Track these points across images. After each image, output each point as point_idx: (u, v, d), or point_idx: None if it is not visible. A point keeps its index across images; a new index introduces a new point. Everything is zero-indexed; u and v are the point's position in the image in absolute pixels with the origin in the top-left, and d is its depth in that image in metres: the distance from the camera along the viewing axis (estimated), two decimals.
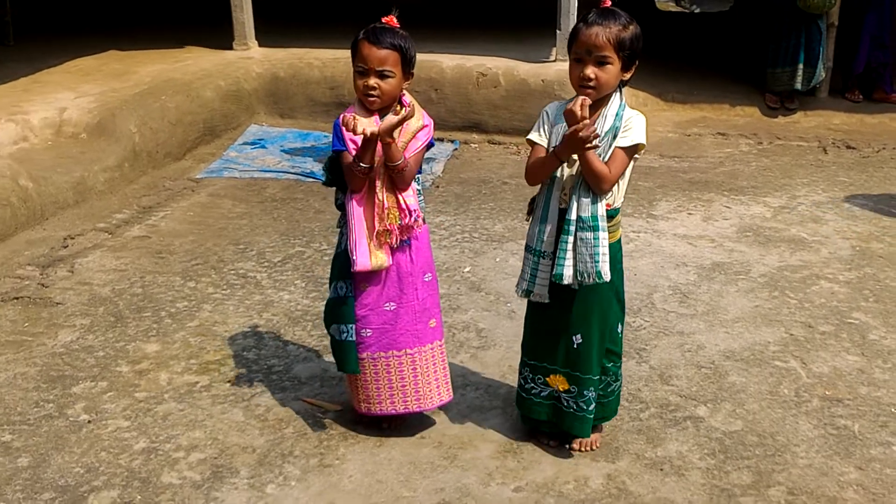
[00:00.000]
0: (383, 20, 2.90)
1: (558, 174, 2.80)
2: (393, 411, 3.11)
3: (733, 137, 6.93)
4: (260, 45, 7.66)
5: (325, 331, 3.15)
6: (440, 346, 3.14)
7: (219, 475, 2.98)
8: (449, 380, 3.19)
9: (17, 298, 4.22)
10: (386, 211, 2.89)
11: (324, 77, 7.12)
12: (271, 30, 7.82)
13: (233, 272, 4.53)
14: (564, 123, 2.73)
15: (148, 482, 2.94)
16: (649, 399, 3.41)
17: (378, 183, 2.90)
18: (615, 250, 2.89)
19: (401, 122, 2.81)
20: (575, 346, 2.92)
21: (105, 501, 2.85)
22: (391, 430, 3.20)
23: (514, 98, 6.73)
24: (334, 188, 3.03)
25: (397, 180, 2.90)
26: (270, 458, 3.06)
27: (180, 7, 9.57)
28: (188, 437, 3.18)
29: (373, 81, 2.85)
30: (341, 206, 3.00)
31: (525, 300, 3.01)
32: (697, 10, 13.04)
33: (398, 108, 2.89)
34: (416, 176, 2.98)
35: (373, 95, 2.86)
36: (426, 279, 3.06)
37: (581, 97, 2.67)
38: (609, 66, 2.70)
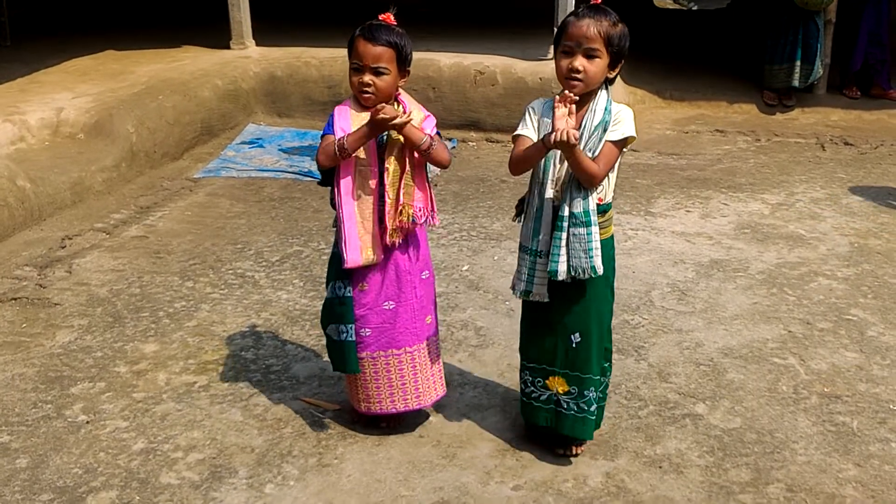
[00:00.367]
0: (380, 17, 2.89)
1: (550, 173, 2.79)
2: (393, 410, 3.11)
3: (731, 134, 6.93)
4: (257, 45, 7.66)
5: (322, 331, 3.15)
6: (435, 341, 3.15)
7: (217, 475, 2.98)
8: (443, 375, 3.20)
9: (14, 299, 4.21)
10: (401, 207, 2.89)
11: (321, 76, 7.11)
12: (268, 29, 7.81)
13: (231, 272, 4.53)
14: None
15: (146, 483, 2.94)
16: (648, 397, 3.41)
17: (388, 180, 2.89)
18: (608, 247, 2.88)
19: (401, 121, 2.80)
20: (574, 345, 2.91)
21: (104, 502, 2.85)
22: (389, 430, 3.19)
23: (512, 96, 6.73)
24: (329, 187, 3.03)
25: (434, 161, 2.90)
26: (269, 458, 3.06)
27: (177, 7, 9.56)
28: (186, 438, 3.18)
29: (368, 78, 2.84)
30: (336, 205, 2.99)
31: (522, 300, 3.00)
32: (695, 8, 13.03)
33: (395, 104, 2.90)
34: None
35: (368, 92, 2.86)
36: (424, 277, 3.06)
37: (565, 92, 2.67)
38: (598, 59, 2.70)
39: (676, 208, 5.38)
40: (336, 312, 3.01)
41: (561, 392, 2.96)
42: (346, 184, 2.90)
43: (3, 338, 3.88)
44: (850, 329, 3.90)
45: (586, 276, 2.77)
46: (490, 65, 6.87)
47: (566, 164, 2.77)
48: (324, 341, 3.18)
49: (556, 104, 2.65)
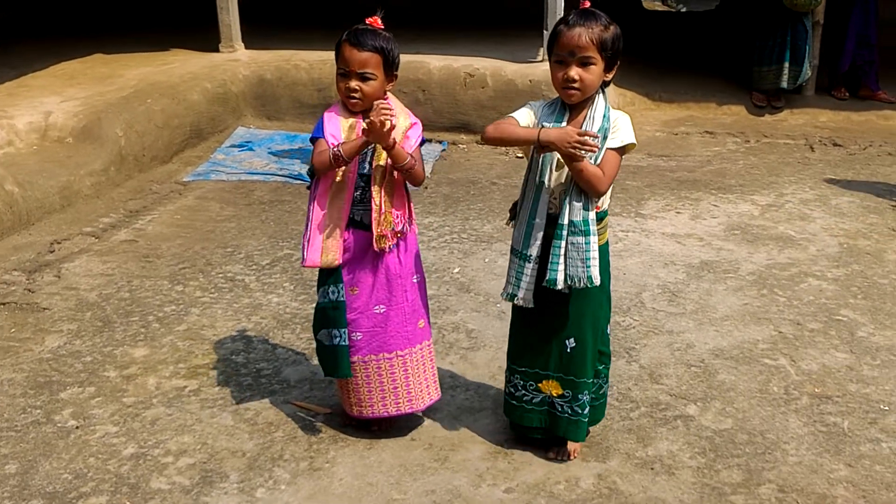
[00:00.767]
0: (367, 21, 2.88)
1: (547, 178, 2.78)
2: (385, 413, 3.10)
3: (720, 136, 6.95)
4: (246, 48, 7.64)
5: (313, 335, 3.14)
6: (429, 345, 3.14)
7: (208, 480, 2.96)
8: (437, 378, 3.19)
9: (3, 304, 4.19)
10: (382, 216, 2.89)
11: (311, 79, 7.10)
12: (258, 32, 7.79)
13: (221, 275, 4.52)
14: (552, 124, 2.73)
15: (137, 488, 2.92)
16: (639, 398, 3.41)
17: (375, 188, 2.89)
18: (603, 252, 2.88)
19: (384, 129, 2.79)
20: (568, 349, 2.90)
21: None
22: (381, 433, 3.18)
23: (502, 98, 6.72)
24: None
25: (410, 179, 2.92)
26: (260, 462, 3.05)
27: (166, 10, 9.53)
28: (177, 442, 3.16)
29: (354, 84, 2.84)
30: None
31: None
32: (684, 10, 13.06)
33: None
34: None
35: (354, 98, 2.85)
36: (415, 280, 3.06)
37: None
38: (592, 66, 2.69)
39: (667, 210, 5.38)
40: (329, 317, 3.00)
41: (555, 395, 2.95)
42: (323, 186, 2.90)
43: None
44: (840, 329, 3.91)
45: (582, 285, 2.76)
46: (480, 67, 6.87)
47: (564, 171, 2.75)
48: (314, 345, 3.16)
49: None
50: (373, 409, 3.09)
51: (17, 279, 4.46)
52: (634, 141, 2.78)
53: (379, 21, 2.89)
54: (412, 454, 3.09)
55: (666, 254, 4.73)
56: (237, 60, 7.41)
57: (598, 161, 2.72)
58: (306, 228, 2.92)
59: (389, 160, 2.86)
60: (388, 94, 2.97)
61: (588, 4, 2.75)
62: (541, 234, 2.79)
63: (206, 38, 7.77)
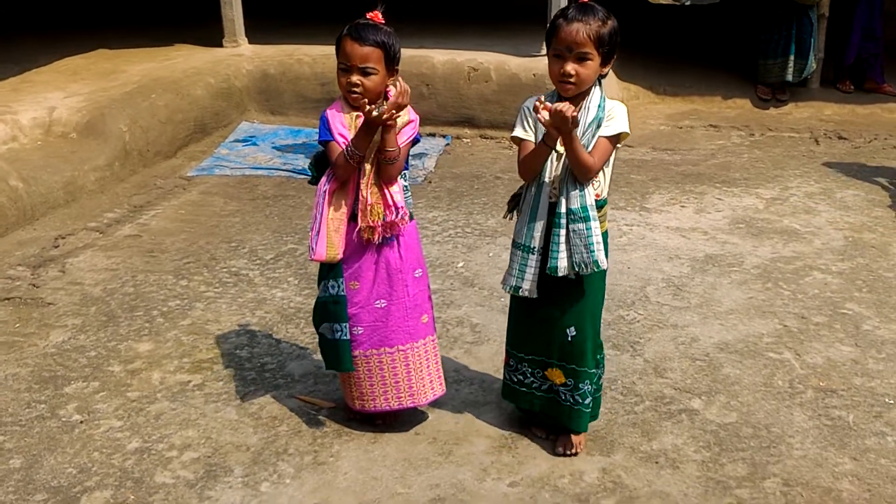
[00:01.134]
0: (368, 16, 2.87)
1: (547, 169, 2.79)
2: (387, 407, 3.10)
3: (725, 129, 6.93)
4: (250, 42, 7.62)
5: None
6: (433, 341, 3.13)
7: (212, 474, 2.97)
8: (442, 374, 3.19)
9: (7, 299, 4.19)
10: (370, 207, 2.88)
11: (314, 73, 7.09)
12: (261, 27, 7.78)
13: (225, 270, 4.52)
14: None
15: (141, 482, 2.93)
16: (644, 392, 3.40)
17: (363, 180, 2.88)
18: (603, 241, 2.88)
19: (395, 109, 2.78)
20: (569, 338, 2.92)
21: (98, 502, 2.83)
22: (385, 427, 3.18)
23: (506, 92, 6.71)
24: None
25: (386, 172, 2.87)
26: (264, 457, 3.05)
27: (169, 5, 9.52)
28: (181, 437, 3.17)
29: (355, 79, 2.83)
30: None
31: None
32: (689, 3, 13.00)
33: (383, 103, 2.89)
34: (403, 172, 2.97)
35: (356, 93, 2.85)
36: (416, 275, 3.05)
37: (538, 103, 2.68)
38: (589, 61, 2.71)
39: (671, 203, 5.37)
40: (330, 311, 3.00)
41: (558, 383, 2.97)
42: (332, 183, 2.90)
43: None
44: (845, 323, 3.90)
45: (589, 270, 2.78)
46: (484, 61, 6.86)
47: (563, 161, 2.77)
48: (318, 339, 3.17)
49: (536, 113, 2.65)
50: (375, 402, 3.09)
51: (22, 274, 4.46)
52: (628, 130, 2.81)
53: (380, 15, 2.88)
54: (416, 448, 3.09)
55: (670, 247, 4.72)
56: (241, 55, 7.40)
57: (591, 147, 2.75)
58: (315, 221, 2.91)
59: (379, 142, 2.84)
60: (391, 88, 2.96)
61: None
62: (542, 225, 2.80)
63: (209, 33, 7.76)
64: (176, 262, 4.60)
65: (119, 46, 7.77)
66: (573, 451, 3.03)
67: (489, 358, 3.66)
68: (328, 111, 2.92)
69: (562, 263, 2.78)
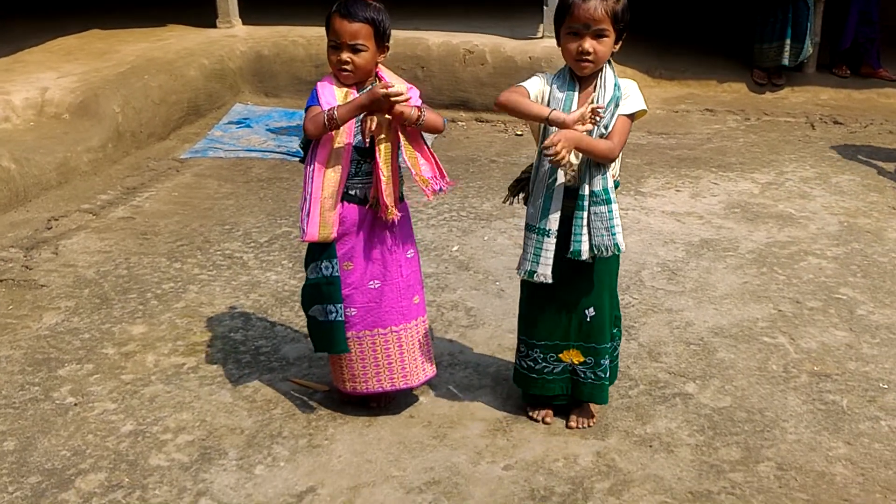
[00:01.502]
0: None
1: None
2: (380, 389, 3.10)
3: (721, 114, 6.91)
4: (244, 23, 7.58)
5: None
6: (424, 322, 3.13)
7: (207, 456, 2.96)
8: (433, 355, 3.18)
9: (0, 281, 4.17)
10: (391, 187, 2.85)
11: (308, 55, 7.05)
12: (255, 7, 7.73)
13: (219, 253, 4.50)
14: (563, 94, 2.76)
15: (135, 464, 2.92)
16: (638, 376, 3.41)
17: (381, 158, 2.85)
18: None
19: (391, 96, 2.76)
20: (588, 319, 2.93)
21: (92, 484, 2.83)
22: (380, 410, 3.18)
23: (502, 75, 6.68)
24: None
25: (429, 128, 2.87)
26: (259, 439, 3.05)
27: None
28: (176, 419, 3.16)
29: (345, 56, 2.81)
30: None
31: (517, 280, 2.99)
32: None
33: (377, 82, 2.87)
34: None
35: (346, 70, 2.83)
36: (409, 255, 3.04)
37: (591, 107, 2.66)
38: (606, 38, 2.70)
39: (666, 188, 5.36)
40: (323, 293, 2.99)
41: (577, 362, 2.99)
42: (319, 159, 2.86)
43: None
44: (839, 308, 3.91)
45: (609, 253, 2.79)
46: (479, 44, 6.82)
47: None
48: (308, 322, 3.15)
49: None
50: (367, 384, 3.08)
51: (15, 256, 4.44)
52: (645, 107, 2.81)
53: None
54: (411, 431, 3.09)
55: (665, 232, 4.72)
56: (234, 36, 7.36)
57: (611, 127, 2.73)
58: (304, 202, 2.89)
59: (396, 122, 2.81)
60: (380, 65, 2.94)
61: None
62: (559, 208, 2.79)
63: (203, 13, 7.70)
64: (169, 245, 4.58)
65: (112, 26, 7.71)
66: (588, 423, 3.06)
67: (484, 342, 3.66)
68: (319, 83, 2.90)
69: (584, 247, 2.78)
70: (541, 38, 6.87)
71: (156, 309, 3.93)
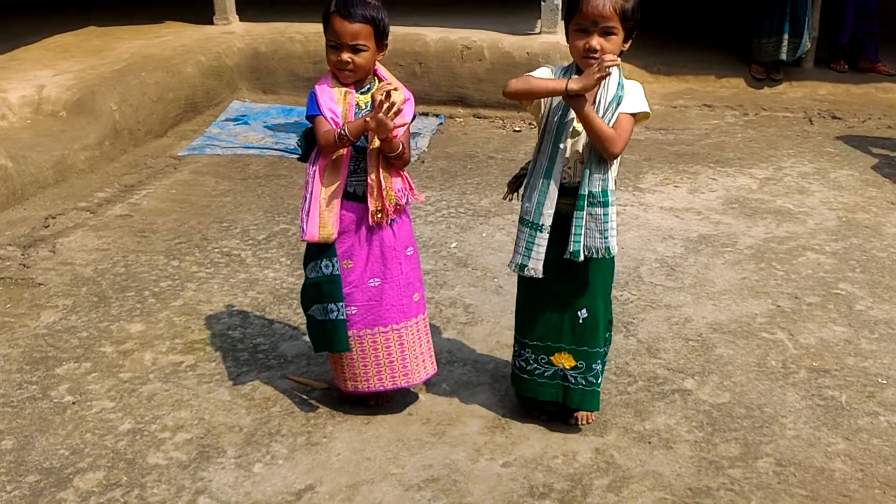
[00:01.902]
0: None
1: (562, 146, 2.75)
2: (381, 387, 3.09)
3: (719, 109, 6.91)
4: (241, 20, 7.55)
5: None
6: (423, 319, 3.12)
7: (205, 455, 2.96)
8: (433, 353, 3.18)
9: None
10: (384, 191, 2.86)
11: (306, 52, 7.04)
12: (252, 3, 7.71)
13: (217, 250, 4.49)
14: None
15: (134, 463, 2.92)
16: (637, 372, 3.40)
17: (372, 164, 2.86)
18: None
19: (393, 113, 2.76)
20: (581, 320, 2.91)
21: (90, 483, 2.83)
22: (378, 408, 3.18)
23: (500, 71, 6.66)
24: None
25: (398, 164, 2.89)
26: (257, 437, 3.04)
27: None
28: (174, 418, 3.16)
29: (346, 56, 2.80)
30: None
31: (515, 276, 2.98)
32: None
33: (376, 80, 2.87)
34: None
35: (347, 70, 2.82)
36: (408, 253, 3.04)
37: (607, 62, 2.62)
38: (614, 36, 2.67)
39: (665, 183, 5.36)
40: (324, 291, 2.98)
41: (568, 367, 2.96)
42: (321, 160, 2.87)
43: None
44: (838, 303, 3.90)
45: (600, 255, 2.77)
46: (477, 39, 6.81)
47: (579, 139, 2.74)
48: (307, 321, 3.15)
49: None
50: (368, 383, 3.08)
51: (12, 254, 4.43)
52: (648, 110, 2.78)
53: None
54: (410, 429, 3.08)
55: (664, 228, 4.71)
56: (231, 33, 7.33)
57: (612, 125, 2.71)
58: (305, 201, 2.88)
59: (380, 145, 2.83)
60: (379, 65, 2.93)
61: None
62: (554, 204, 2.77)
63: (200, 10, 7.68)
64: (167, 243, 4.58)
65: (109, 24, 7.69)
66: (587, 420, 3.06)
67: (482, 339, 3.65)
68: (317, 86, 2.90)
69: (581, 248, 2.77)
70: (538, 33, 6.86)
71: (154, 307, 3.93)
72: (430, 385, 3.29)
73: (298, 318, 3.80)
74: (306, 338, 3.64)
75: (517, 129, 6.48)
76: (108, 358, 3.54)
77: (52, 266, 4.31)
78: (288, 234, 4.67)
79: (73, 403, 3.24)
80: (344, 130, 2.77)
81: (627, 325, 3.74)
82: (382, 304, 3.01)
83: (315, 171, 2.86)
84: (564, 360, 2.95)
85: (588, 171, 2.74)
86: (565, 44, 2.83)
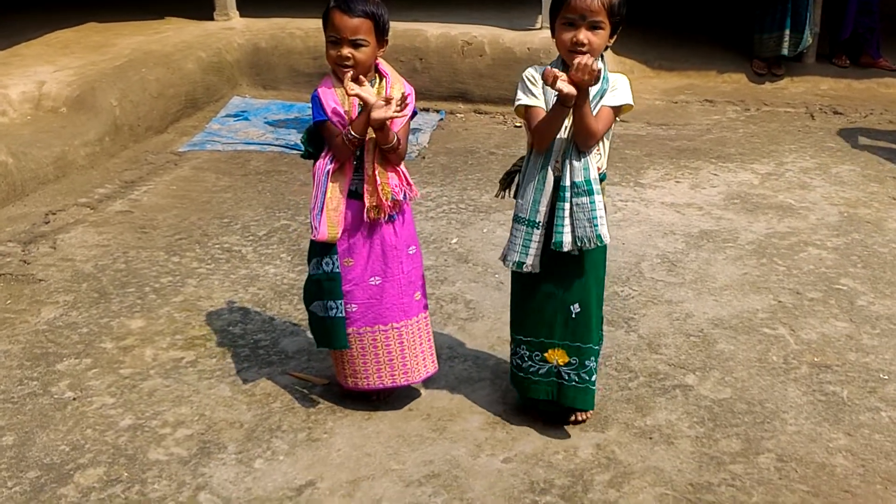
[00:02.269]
0: None
1: (555, 143, 2.74)
2: (380, 385, 3.09)
3: (720, 104, 6.89)
4: (241, 16, 7.54)
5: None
6: (425, 318, 3.12)
7: (206, 451, 2.96)
8: (434, 351, 3.17)
9: None
10: (379, 186, 2.86)
11: (306, 47, 7.03)
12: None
13: (217, 246, 4.49)
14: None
15: (134, 459, 2.92)
16: (638, 368, 3.40)
17: (368, 158, 2.85)
18: None
19: (397, 106, 2.75)
20: (573, 315, 2.89)
21: (91, 479, 2.83)
22: (379, 403, 3.18)
23: (500, 66, 6.66)
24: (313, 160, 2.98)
25: (393, 159, 2.88)
26: (258, 433, 3.04)
27: None
28: (174, 413, 3.15)
29: (346, 52, 2.79)
30: None
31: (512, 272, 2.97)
32: None
33: (376, 76, 2.86)
34: None
35: (347, 66, 2.81)
36: (410, 252, 3.03)
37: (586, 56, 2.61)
38: (601, 30, 2.68)
39: (666, 179, 5.35)
40: (324, 288, 2.98)
41: (561, 363, 2.94)
42: (334, 163, 2.86)
43: None
44: (839, 299, 3.90)
45: (592, 245, 2.77)
46: (478, 35, 6.80)
47: (566, 133, 2.73)
48: (308, 317, 3.14)
49: (554, 82, 2.59)
50: (368, 380, 3.08)
51: (13, 250, 4.43)
52: (632, 102, 2.79)
53: None
54: (410, 424, 3.08)
55: (665, 223, 4.71)
56: (232, 29, 7.33)
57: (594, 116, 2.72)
58: (316, 200, 2.87)
59: (376, 136, 2.82)
60: (381, 60, 2.93)
61: None
62: (548, 200, 2.77)
63: (200, 6, 7.67)
64: (168, 239, 4.57)
65: (109, 20, 7.68)
66: (581, 419, 3.05)
67: (483, 334, 3.65)
68: (319, 89, 2.88)
69: (566, 238, 2.76)
70: (539, 28, 6.84)
71: (154, 303, 3.92)
72: (430, 381, 3.29)
73: (299, 314, 3.80)
74: (307, 334, 3.64)
75: (518, 124, 6.47)
76: (109, 354, 3.54)
77: (53, 262, 4.31)
78: (288, 229, 4.67)
79: (74, 399, 3.24)
80: (350, 133, 2.77)
81: (628, 321, 3.73)
82: (383, 302, 3.00)
83: (328, 172, 2.85)
84: (558, 356, 2.94)
85: (569, 162, 2.74)
86: None
